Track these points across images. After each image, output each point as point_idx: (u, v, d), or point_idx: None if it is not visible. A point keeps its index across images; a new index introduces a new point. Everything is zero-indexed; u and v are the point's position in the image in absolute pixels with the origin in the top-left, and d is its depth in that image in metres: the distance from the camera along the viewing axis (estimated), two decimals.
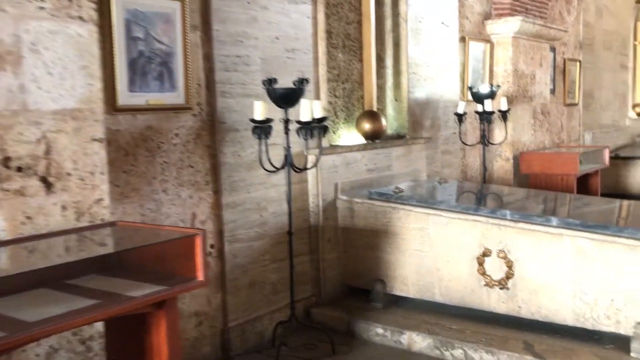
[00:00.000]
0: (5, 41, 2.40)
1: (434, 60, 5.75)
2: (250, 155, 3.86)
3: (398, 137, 5.43)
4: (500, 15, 6.68)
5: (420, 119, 5.62)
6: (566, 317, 3.62)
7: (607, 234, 3.50)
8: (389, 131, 5.41)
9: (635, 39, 11.75)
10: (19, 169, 2.45)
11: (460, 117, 5.81)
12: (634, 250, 3.40)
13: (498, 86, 6.30)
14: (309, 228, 4.39)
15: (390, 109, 5.49)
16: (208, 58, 3.69)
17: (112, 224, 2.77)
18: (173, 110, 3.48)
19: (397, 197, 4.33)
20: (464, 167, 6.38)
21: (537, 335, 3.71)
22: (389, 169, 5.05)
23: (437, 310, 4.12)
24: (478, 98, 6.03)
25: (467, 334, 3.79)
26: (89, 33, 2.70)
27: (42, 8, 2.52)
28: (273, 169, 3.72)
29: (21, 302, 2.19)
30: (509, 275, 3.78)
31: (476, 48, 6.50)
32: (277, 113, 3.68)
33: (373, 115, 5.09)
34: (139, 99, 3.30)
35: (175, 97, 3.47)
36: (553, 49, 7.86)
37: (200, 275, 2.45)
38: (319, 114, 3.74)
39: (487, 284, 3.87)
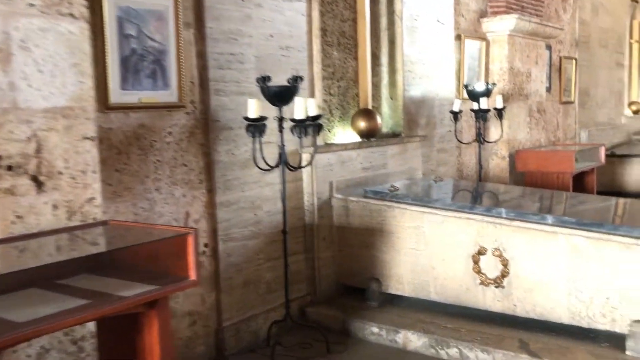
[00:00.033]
0: None
1: (429, 58, 5.74)
2: (245, 153, 3.84)
3: (393, 135, 5.41)
4: (496, 13, 6.67)
5: (415, 117, 5.60)
6: (561, 315, 3.61)
7: (603, 232, 3.49)
8: (385, 129, 5.39)
9: (630, 36, 11.76)
10: (9, 168, 2.43)
11: (455, 115, 5.79)
12: (629, 248, 3.39)
13: (494, 84, 6.28)
14: (304, 227, 4.38)
15: (385, 107, 5.47)
16: (201, 56, 3.66)
17: (103, 223, 2.74)
18: (166, 109, 3.45)
19: (393, 196, 4.32)
20: (460, 165, 6.37)
21: (532, 333, 3.70)
22: (384, 167, 5.04)
23: (433, 309, 4.11)
24: (474, 96, 6.02)
25: (463, 332, 3.78)
26: (80, 30, 2.67)
27: (32, 5, 2.50)
28: (267, 167, 3.69)
29: (11, 302, 2.17)
30: (504, 274, 3.77)
31: (472, 46, 6.48)
32: (271, 111, 3.65)
33: (368, 114, 5.07)
34: (132, 97, 3.27)
35: (168, 95, 3.44)
36: (549, 47, 7.85)
37: (193, 275, 2.43)
38: (313, 112, 3.72)
39: (482, 283, 3.86)
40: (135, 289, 2.34)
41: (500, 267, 3.78)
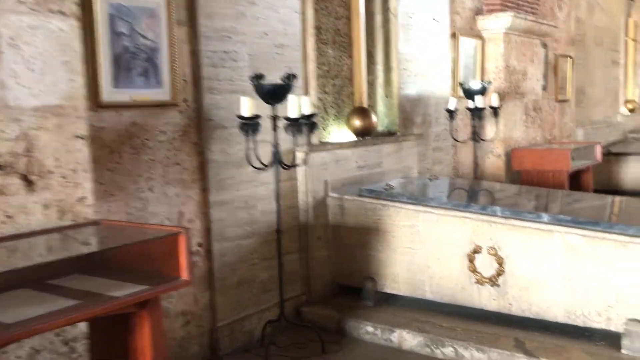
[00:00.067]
0: None
1: (424, 56, 5.72)
2: (239, 152, 3.81)
3: (389, 134, 5.39)
4: (491, 11, 6.66)
5: (411, 116, 5.59)
6: (557, 314, 3.59)
7: (598, 230, 3.48)
8: (380, 128, 5.37)
9: (626, 34, 11.76)
10: None
11: (451, 114, 5.77)
12: (625, 246, 3.38)
13: (489, 82, 6.27)
14: (298, 226, 4.35)
15: (380, 106, 5.45)
16: (195, 54, 3.63)
17: (95, 223, 2.72)
18: (159, 107, 3.42)
19: (388, 194, 4.30)
20: (456, 164, 6.35)
21: (528, 332, 3.68)
22: (379, 166, 5.02)
23: (428, 308, 4.09)
24: (469, 94, 6.01)
25: (458, 331, 3.77)
26: (70, 28, 2.64)
27: (21, 2, 2.47)
28: (261, 166, 3.67)
29: (1, 303, 2.15)
30: (499, 272, 3.76)
31: (467, 44, 6.47)
32: (265, 109, 3.63)
33: (363, 112, 5.05)
34: (124, 95, 3.24)
35: (161, 94, 3.42)
36: (545, 45, 7.84)
37: (185, 275, 2.41)
38: (307, 111, 3.70)
39: (477, 281, 3.84)
40: (127, 289, 2.32)
41: (496, 265, 3.76)
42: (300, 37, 4.36)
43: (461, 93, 6.11)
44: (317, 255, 4.40)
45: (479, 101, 5.94)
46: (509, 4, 6.75)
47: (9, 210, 2.44)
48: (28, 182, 2.51)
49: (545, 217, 3.68)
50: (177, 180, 3.54)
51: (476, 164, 6.20)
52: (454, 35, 6.24)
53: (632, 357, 3.34)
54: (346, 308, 4.23)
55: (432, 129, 5.88)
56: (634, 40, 11.94)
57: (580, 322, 3.53)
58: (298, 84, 4.09)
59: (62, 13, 2.59)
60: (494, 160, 6.74)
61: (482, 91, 6.01)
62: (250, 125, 3.54)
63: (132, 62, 3.28)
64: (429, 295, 4.07)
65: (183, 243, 2.39)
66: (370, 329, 3.97)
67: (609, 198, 4.80)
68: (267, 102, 3.60)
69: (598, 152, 7.40)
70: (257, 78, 3.55)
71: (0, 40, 2.40)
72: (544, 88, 7.87)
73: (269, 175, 3.90)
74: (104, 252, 2.63)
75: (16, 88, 2.46)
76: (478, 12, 6.67)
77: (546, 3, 7.90)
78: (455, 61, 6.28)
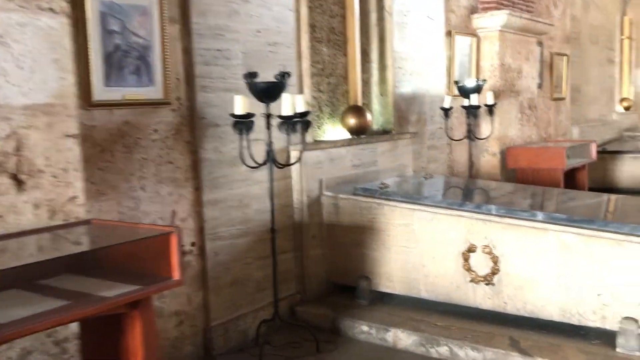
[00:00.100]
0: None
1: (420, 54, 5.70)
2: (232, 151, 3.79)
3: (384, 132, 5.37)
4: (487, 9, 6.65)
5: (406, 114, 5.57)
6: (552, 312, 3.58)
7: (593, 228, 3.47)
8: (375, 126, 5.35)
9: (621, 33, 11.77)
10: None
11: (446, 112, 5.76)
12: (620, 244, 3.37)
13: (484, 80, 6.26)
14: (293, 225, 4.33)
15: (375, 104, 5.43)
16: (187, 52, 3.60)
17: (86, 222, 2.69)
18: (151, 105, 3.40)
19: (383, 193, 4.28)
20: (451, 162, 6.34)
21: (523, 331, 3.67)
22: (374, 164, 5.00)
23: (423, 307, 4.08)
24: (464, 92, 5.99)
25: (453, 330, 3.75)
26: (60, 25, 2.62)
27: None
28: (255, 165, 3.65)
29: None
30: (494, 271, 3.74)
31: (462, 42, 6.45)
32: (259, 108, 3.61)
33: (358, 110, 5.03)
34: (116, 93, 3.21)
35: (153, 92, 3.39)
36: (540, 43, 7.83)
37: (176, 275, 2.39)
38: (301, 109, 3.68)
39: (472, 280, 3.83)
40: (118, 289, 2.30)
41: (491, 264, 3.75)
42: (294, 35, 4.33)
43: (456, 91, 6.09)
44: (312, 254, 4.38)
45: (474, 99, 5.92)
46: (504, 2, 6.74)
47: None
48: (18, 182, 2.48)
49: (540, 215, 3.67)
50: (169, 179, 3.52)
51: (471, 163, 6.18)
52: (449, 34, 6.23)
53: (627, 356, 3.33)
54: (341, 307, 4.21)
55: (427, 127, 5.87)
56: (630, 38, 11.95)
57: (575, 321, 3.52)
58: (292, 82, 4.07)
59: (52, 10, 2.56)
60: (489, 159, 6.73)
61: (477, 89, 6.00)
62: (243, 123, 3.52)
63: (124, 60, 3.25)
64: (424, 294, 4.06)
65: (174, 243, 2.37)
66: (365, 328, 3.95)
67: (604, 196, 4.79)
68: (261, 101, 3.58)
69: (593, 150, 7.40)
70: (251, 76, 3.53)
71: None
72: (540, 86, 7.87)
73: (263, 174, 3.87)
74: (95, 252, 2.60)
75: (5, 86, 2.43)
76: (473, 10, 6.66)
77: (541, 1, 7.90)
78: (450, 59, 6.27)
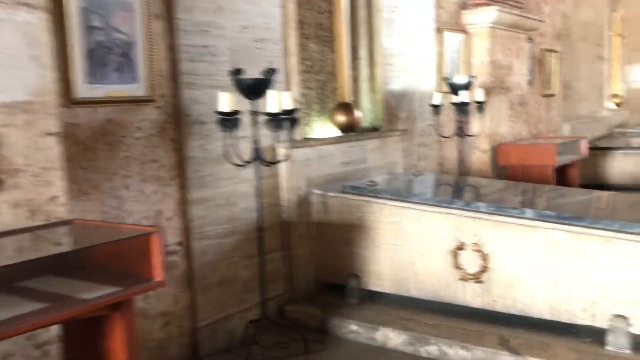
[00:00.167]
0: None
1: (409, 51, 5.66)
2: (218, 148, 3.73)
3: (373, 130, 5.33)
4: (477, 5, 6.61)
5: (395, 111, 5.53)
6: (542, 310, 3.56)
7: (583, 225, 3.44)
8: (364, 123, 5.31)
9: (611, 30, 11.79)
10: None
11: (436, 109, 5.72)
12: (609, 241, 3.34)
13: (474, 77, 6.22)
14: (281, 223, 4.28)
15: (365, 101, 5.39)
16: (172, 48, 3.54)
17: (67, 222, 2.63)
18: (135, 103, 3.34)
19: (372, 191, 4.24)
20: (441, 159, 6.31)
21: (513, 329, 3.64)
22: (364, 162, 4.96)
23: (413, 305, 4.04)
24: (454, 89, 5.96)
25: (442, 329, 3.72)
26: (39, 21, 2.56)
27: None
28: (240, 163, 3.60)
29: None
30: (483, 269, 3.71)
31: (452, 39, 6.42)
32: (245, 105, 3.55)
33: (347, 107, 4.99)
34: (98, 91, 3.15)
35: (137, 89, 3.33)
36: (530, 40, 7.81)
37: (158, 275, 2.34)
38: (288, 106, 3.63)
39: (462, 278, 3.80)
40: (99, 290, 2.25)
41: (480, 262, 3.72)
42: (281, 32, 4.28)
43: (446, 88, 6.06)
44: (300, 253, 4.34)
45: (464, 96, 5.89)
46: None
47: None
48: None
49: (529, 212, 3.64)
50: (154, 178, 3.46)
51: (461, 160, 6.16)
52: (438, 30, 6.19)
53: (617, 354, 3.31)
54: (330, 306, 4.17)
55: (417, 124, 5.83)
56: (620, 35, 11.97)
57: (565, 319, 3.50)
58: (280, 79, 4.02)
59: (30, 5, 2.50)
60: (479, 156, 6.70)
61: (467, 86, 5.97)
62: (229, 120, 3.47)
63: (107, 57, 3.19)
64: (414, 293, 4.02)
65: (156, 243, 2.32)
66: (354, 327, 3.91)
67: (594, 193, 4.77)
68: (247, 97, 3.53)
69: (584, 146, 7.40)
70: (236, 73, 3.47)
71: None
72: (530, 83, 7.85)
73: (250, 172, 3.82)
74: (76, 253, 2.55)
75: None
76: (463, 6, 6.62)
77: None
78: (440, 56, 6.24)
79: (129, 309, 2.31)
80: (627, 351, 3.31)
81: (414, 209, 3.96)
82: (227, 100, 3.44)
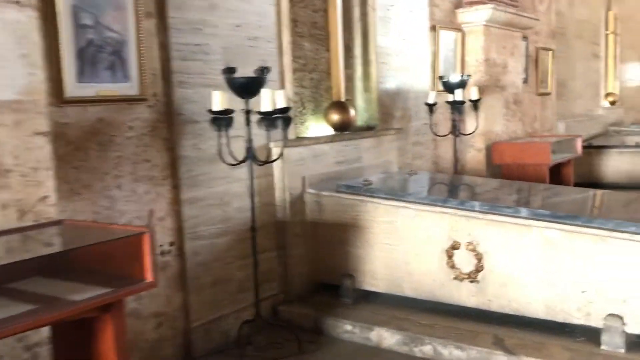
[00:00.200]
0: None
1: (404, 49, 5.64)
2: (211, 148, 3.70)
3: (368, 129, 5.31)
4: (471, 4, 6.59)
5: (390, 110, 5.51)
6: (537, 310, 3.54)
7: (577, 224, 3.43)
8: (359, 122, 5.29)
9: (606, 28, 11.80)
10: None
11: (431, 108, 5.71)
12: (604, 240, 3.33)
13: (469, 75, 6.21)
14: (275, 223, 4.26)
15: (359, 100, 5.37)
16: (164, 47, 3.51)
17: (58, 223, 2.61)
18: (126, 102, 3.30)
19: (366, 190, 4.22)
20: (436, 158, 6.29)
21: (507, 329, 3.62)
22: (358, 161, 4.93)
23: (407, 305, 4.02)
24: (449, 88, 5.94)
25: (437, 329, 3.70)
26: (28, 19, 2.53)
27: None
28: (234, 162, 3.57)
29: None
30: (478, 268, 3.70)
31: (447, 37, 6.41)
32: (238, 104, 3.53)
33: (342, 106, 4.96)
34: (89, 90, 3.12)
35: (129, 88, 3.30)
36: (525, 38, 7.80)
37: (149, 276, 2.31)
38: (281, 104, 3.60)
39: (456, 278, 3.78)
40: (88, 292, 2.23)
41: (474, 261, 3.70)
42: (275, 30, 4.25)
43: (441, 87, 6.05)
44: (295, 253, 4.32)
45: (458, 95, 5.88)
46: None
47: None
48: None
49: (524, 211, 3.62)
50: (146, 177, 3.43)
51: (456, 159, 6.14)
52: (433, 28, 6.17)
53: (611, 353, 3.30)
54: (324, 306, 4.15)
55: (411, 123, 5.82)
56: (614, 33, 11.98)
57: (560, 318, 3.48)
58: (274, 77, 4.00)
59: (18, 3, 2.47)
60: (474, 155, 6.69)
61: (462, 85, 5.96)
62: (222, 119, 3.44)
63: (98, 55, 3.16)
64: (408, 292, 4.01)
65: (147, 243, 2.29)
66: (348, 327, 3.89)
67: (589, 192, 4.76)
68: (240, 96, 3.50)
69: (579, 145, 7.39)
70: (229, 71, 3.45)
71: None
72: (525, 81, 7.85)
73: (243, 171, 3.79)
74: (66, 254, 2.52)
75: None
76: (458, 4, 6.61)
77: None
78: (435, 54, 6.22)
79: (120, 311, 2.29)
80: (622, 351, 3.29)
81: (408, 208, 3.94)
82: (220, 99, 3.42)
